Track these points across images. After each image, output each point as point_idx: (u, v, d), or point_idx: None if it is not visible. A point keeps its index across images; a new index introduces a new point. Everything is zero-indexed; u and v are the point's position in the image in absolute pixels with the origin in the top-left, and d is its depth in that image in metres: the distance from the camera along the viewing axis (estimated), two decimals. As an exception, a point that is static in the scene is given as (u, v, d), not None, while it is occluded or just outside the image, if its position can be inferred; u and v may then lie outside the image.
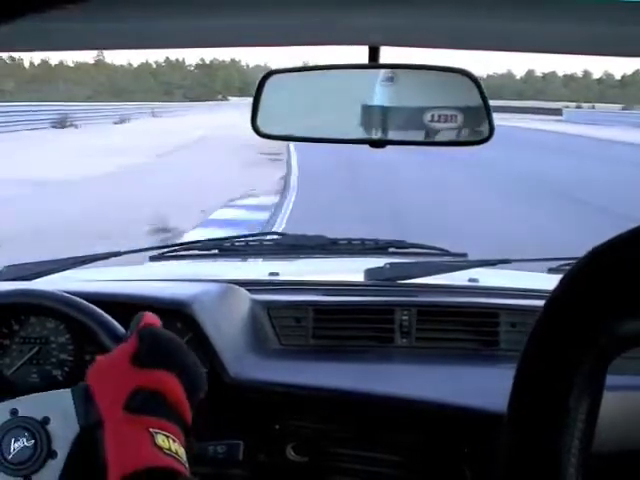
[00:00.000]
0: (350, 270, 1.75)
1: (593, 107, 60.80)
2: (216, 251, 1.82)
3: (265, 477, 1.30)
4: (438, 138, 1.12)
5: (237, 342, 1.37)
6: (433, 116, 1.07)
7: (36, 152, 15.53)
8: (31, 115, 23.64)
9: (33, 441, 0.82)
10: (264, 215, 8.28)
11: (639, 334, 0.42)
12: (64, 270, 1.65)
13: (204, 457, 1.02)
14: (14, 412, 0.85)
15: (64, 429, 0.83)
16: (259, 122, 1.13)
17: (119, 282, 1.57)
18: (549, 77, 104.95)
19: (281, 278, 1.64)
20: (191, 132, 23.26)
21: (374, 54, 1.01)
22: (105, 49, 1.08)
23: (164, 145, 17.97)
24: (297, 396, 1.29)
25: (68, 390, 0.85)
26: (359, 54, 1.02)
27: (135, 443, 0.74)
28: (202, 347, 1.25)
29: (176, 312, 1.28)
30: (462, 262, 1.74)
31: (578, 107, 60.64)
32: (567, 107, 56.07)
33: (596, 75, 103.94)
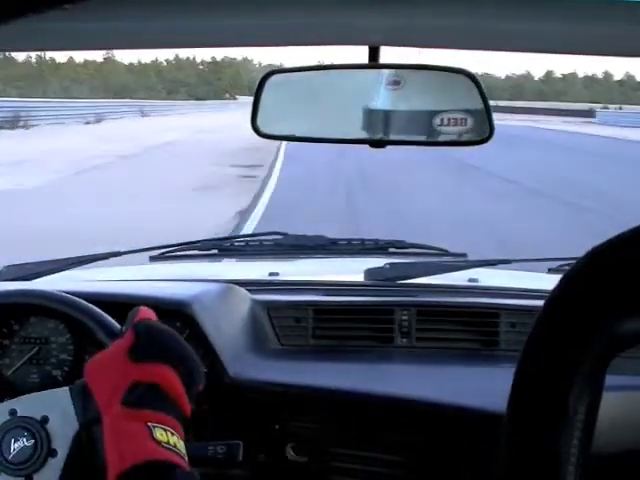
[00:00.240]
0: (350, 270, 1.75)
1: (620, 108, 59.46)
2: (216, 251, 1.82)
3: (265, 477, 1.30)
4: (439, 138, 1.12)
5: (237, 342, 1.37)
6: (442, 120, 1.07)
7: None
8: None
9: (33, 441, 0.83)
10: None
11: (639, 334, 0.42)
12: (64, 270, 1.65)
13: (204, 457, 1.02)
14: (13, 412, 0.85)
15: (63, 427, 0.84)
16: (259, 122, 1.13)
17: (119, 282, 1.57)
18: (569, 78, 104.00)
19: (281, 278, 1.64)
20: (164, 135, 20.45)
21: (374, 54, 1.01)
22: (105, 49, 1.08)
23: (101, 155, 14.23)
24: (297, 396, 1.29)
25: (66, 388, 0.85)
26: (359, 54, 1.02)
27: (134, 437, 0.74)
28: (202, 347, 1.25)
29: (176, 312, 1.28)
30: (462, 262, 1.74)
31: (604, 108, 59.22)
32: (593, 109, 53.82)
33: (617, 77, 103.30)
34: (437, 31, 0.89)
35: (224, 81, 78.18)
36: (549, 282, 1.39)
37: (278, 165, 13.63)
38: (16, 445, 0.83)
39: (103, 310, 1.02)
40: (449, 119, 1.07)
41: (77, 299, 1.05)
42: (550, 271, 1.69)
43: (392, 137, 1.10)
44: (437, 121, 1.07)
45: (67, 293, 1.08)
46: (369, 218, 7.81)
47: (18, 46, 0.96)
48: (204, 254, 1.82)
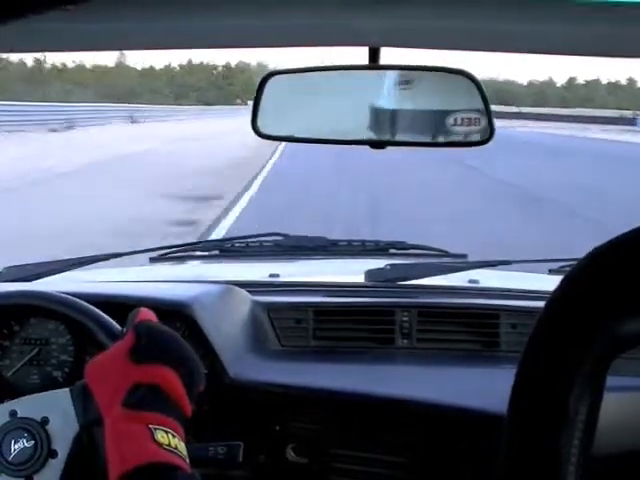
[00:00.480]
0: (350, 271, 1.75)
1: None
2: (216, 252, 1.82)
3: (265, 478, 1.30)
4: (439, 139, 1.12)
5: (237, 343, 1.37)
6: (456, 119, 1.07)
7: None
8: None
9: (33, 441, 0.83)
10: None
11: (639, 334, 0.42)
12: (64, 271, 1.65)
13: (204, 458, 1.02)
14: (13, 413, 0.85)
15: (64, 428, 0.84)
16: (259, 123, 1.13)
17: (119, 283, 1.57)
18: (592, 85, 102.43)
19: (281, 279, 1.64)
20: (134, 145, 17.70)
21: (374, 55, 1.01)
22: (107, 50, 1.08)
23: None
24: (297, 397, 1.29)
25: (66, 389, 0.85)
26: (358, 55, 1.01)
27: (135, 439, 0.74)
28: (202, 348, 1.25)
29: (176, 313, 1.28)
30: (462, 263, 1.74)
31: (637, 115, 57.39)
32: (624, 115, 50.45)
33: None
34: (438, 32, 0.89)
35: (236, 86, 77.05)
36: (550, 283, 1.38)
37: (247, 197, 9.48)
38: (16, 446, 0.83)
39: (103, 311, 1.02)
40: (462, 119, 1.07)
41: (77, 300, 1.05)
42: (551, 272, 1.69)
43: (397, 137, 1.10)
44: (450, 120, 1.07)
45: (67, 294, 1.08)
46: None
47: (18, 47, 0.96)
48: (204, 255, 1.83)
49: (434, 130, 1.11)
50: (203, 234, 6.83)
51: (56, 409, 0.84)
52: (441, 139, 1.10)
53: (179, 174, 11.67)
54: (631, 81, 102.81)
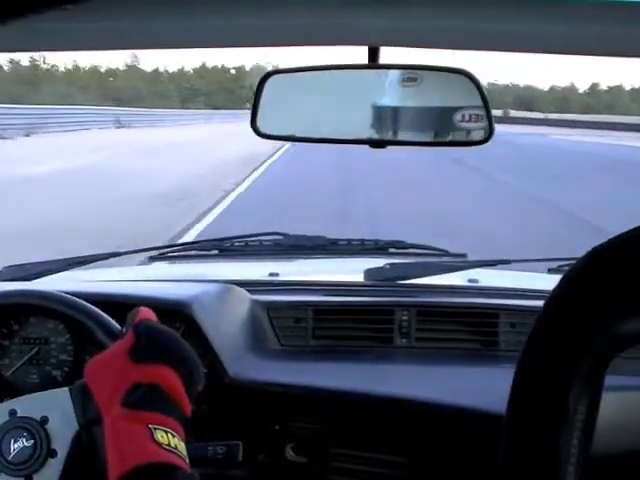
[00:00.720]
0: (350, 270, 1.75)
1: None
2: (216, 251, 1.82)
3: (264, 477, 1.30)
4: (439, 139, 1.12)
5: (237, 342, 1.37)
6: (464, 116, 1.08)
7: None
8: None
9: (33, 441, 0.83)
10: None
11: (639, 334, 0.42)
12: (64, 270, 1.65)
13: (203, 457, 1.02)
14: (13, 413, 0.85)
15: (63, 428, 0.84)
16: (259, 123, 1.13)
17: (119, 282, 1.57)
18: (615, 91, 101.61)
19: (281, 278, 1.64)
20: (81, 158, 14.54)
21: (374, 54, 1.01)
22: (107, 49, 1.08)
23: None
24: (296, 396, 1.29)
25: (66, 389, 0.85)
26: (358, 55, 1.01)
27: (135, 439, 0.74)
28: (202, 347, 1.25)
29: (176, 312, 1.28)
30: (462, 262, 1.74)
31: None
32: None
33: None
34: (437, 32, 0.89)
35: (247, 90, 76.13)
36: (549, 282, 1.39)
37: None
38: (16, 445, 0.83)
39: (103, 310, 1.02)
40: (470, 115, 1.07)
41: (77, 299, 1.05)
42: (550, 271, 1.69)
43: (399, 136, 1.10)
44: (458, 117, 1.08)
45: (67, 293, 1.08)
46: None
47: (18, 46, 0.96)
48: (204, 254, 1.83)
49: (439, 127, 1.11)
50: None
51: (56, 408, 0.84)
52: (443, 138, 1.10)
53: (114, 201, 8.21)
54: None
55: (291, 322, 1.47)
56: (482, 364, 1.41)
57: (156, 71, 76.46)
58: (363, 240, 1.82)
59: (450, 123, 1.08)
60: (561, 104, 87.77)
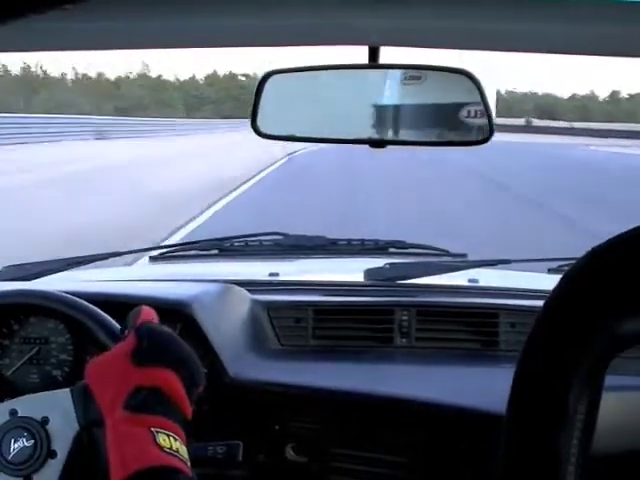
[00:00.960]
0: (350, 270, 1.75)
1: None
2: (216, 251, 1.82)
3: (264, 477, 1.30)
4: (440, 138, 1.12)
5: (237, 342, 1.37)
6: (470, 112, 1.08)
7: None
8: None
9: (33, 441, 0.83)
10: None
11: (638, 334, 0.42)
12: (64, 270, 1.65)
13: (203, 457, 1.02)
14: (13, 412, 0.85)
15: (64, 429, 0.84)
16: (259, 122, 1.13)
17: (119, 282, 1.57)
18: (637, 98, 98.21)
19: (281, 278, 1.64)
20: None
21: (374, 54, 1.01)
22: (106, 49, 1.08)
23: None
24: (297, 396, 1.29)
25: (67, 390, 0.85)
26: (358, 54, 1.01)
27: (137, 443, 0.74)
28: (202, 347, 1.25)
29: (176, 312, 1.28)
30: (462, 262, 1.74)
31: None
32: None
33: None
34: (437, 32, 0.89)
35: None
36: (549, 282, 1.39)
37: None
38: (16, 445, 0.83)
39: (103, 310, 1.02)
40: (476, 111, 1.08)
41: (77, 299, 1.05)
42: (550, 271, 1.69)
43: (399, 136, 1.10)
44: (464, 113, 1.08)
45: (67, 293, 1.08)
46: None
47: (18, 46, 0.96)
48: (204, 254, 1.82)
49: (442, 125, 1.11)
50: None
51: (56, 409, 0.84)
52: (445, 137, 1.10)
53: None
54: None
55: (291, 322, 1.47)
56: (482, 364, 1.41)
57: (160, 78, 75.29)
58: (363, 240, 1.82)
59: (455, 120, 1.08)
60: (582, 112, 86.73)
